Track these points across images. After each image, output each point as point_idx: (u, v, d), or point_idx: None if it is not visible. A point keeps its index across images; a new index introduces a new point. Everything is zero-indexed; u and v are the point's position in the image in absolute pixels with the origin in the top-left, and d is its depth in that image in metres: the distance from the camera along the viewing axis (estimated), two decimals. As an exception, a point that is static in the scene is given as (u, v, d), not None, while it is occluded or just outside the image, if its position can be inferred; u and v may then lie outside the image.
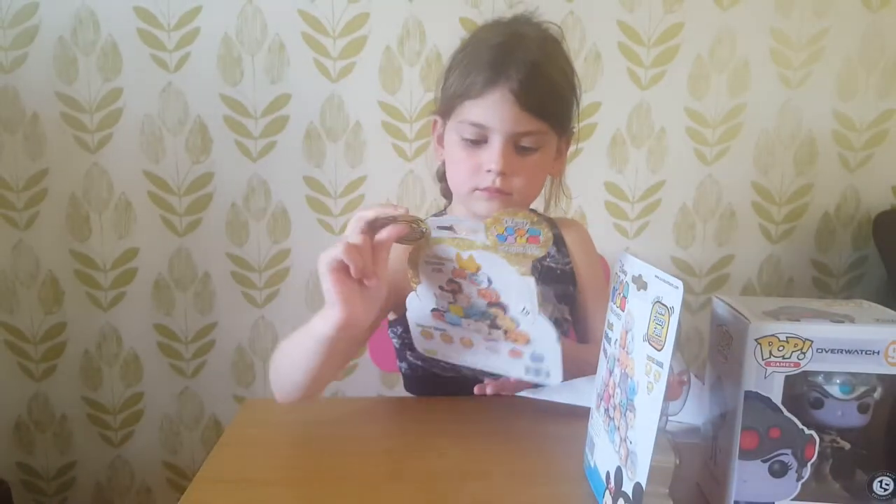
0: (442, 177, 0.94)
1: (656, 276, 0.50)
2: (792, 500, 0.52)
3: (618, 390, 0.55)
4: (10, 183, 1.47)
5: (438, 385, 0.90)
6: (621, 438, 0.53)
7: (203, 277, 1.54)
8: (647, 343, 0.50)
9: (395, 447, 0.71)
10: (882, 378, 0.51)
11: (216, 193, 1.51)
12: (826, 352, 0.50)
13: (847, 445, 0.53)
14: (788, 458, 0.51)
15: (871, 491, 0.52)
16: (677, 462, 0.50)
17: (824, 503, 0.52)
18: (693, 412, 0.58)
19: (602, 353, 0.62)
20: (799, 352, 0.50)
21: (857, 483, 0.53)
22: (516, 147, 0.80)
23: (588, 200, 1.56)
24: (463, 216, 0.91)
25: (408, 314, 0.73)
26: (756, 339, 0.50)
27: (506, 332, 0.70)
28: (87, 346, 1.55)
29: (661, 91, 1.52)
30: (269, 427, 0.74)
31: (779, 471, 0.52)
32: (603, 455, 0.57)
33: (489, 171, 0.80)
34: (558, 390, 0.79)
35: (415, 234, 0.65)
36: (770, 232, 1.61)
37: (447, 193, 0.95)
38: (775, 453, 0.52)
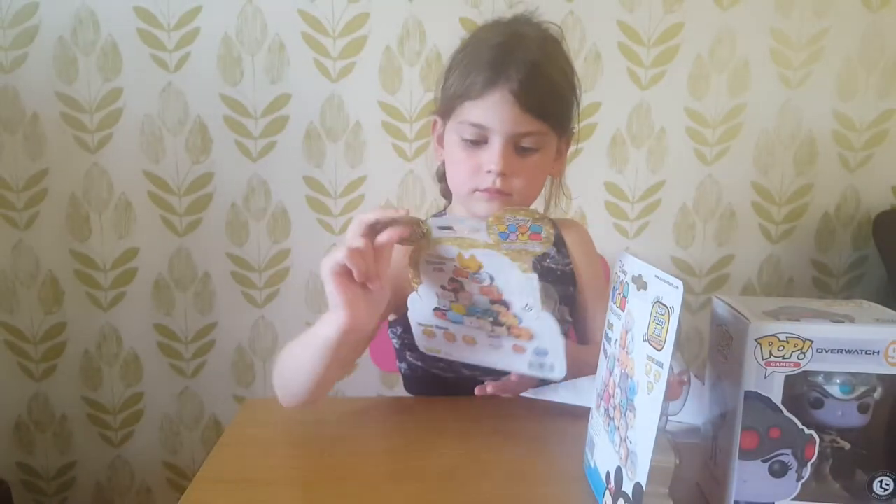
0: (442, 177, 0.94)
1: (656, 276, 0.50)
2: (792, 500, 0.52)
3: (618, 390, 0.55)
4: (10, 183, 1.47)
5: (438, 385, 0.90)
6: (621, 438, 0.53)
7: (203, 277, 1.54)
8: (647, 343, 0.50)
9: (395, 447, 0.71)
10: (882, 378, 0.51)
11: (216, 193, 1.51)
12: (826, 352, 0.50)
13: (847, 445, 0.53)
14: (788, 458, 0.51)
15: (871, 491, 0.52)
16: (677, 462, 0.50)
17: (824, 503, 0.52)
18: (693, 412, 0.58)
19: (602, 353, 0.62)
20: (799, 352, 0.50)
21: (857, 483, 0.53)
22: (516, 148, 0.80)
23: (588, 200, 1.56)
24: (463, 216, 0.91)
25: (409, 314, 0.73)
26: (756, 339, 0.50)
27: (509, 328, 0.70)
28: (87, 346, 1.55)
29: (661, 91, 1.52)
30: (269, 427, 0.74)
31: (779, 471, 0.52)
32: (603, 455, 0.57)
33: (489, 171, 0.80)
34: (559, 390, 0.79)
35: (415, 235, 0.65)
36: (770, 232, 1.61)
37: (447, 194, 0.95)
38: (775, 453, 0.52)
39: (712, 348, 0.58)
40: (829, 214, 1.61)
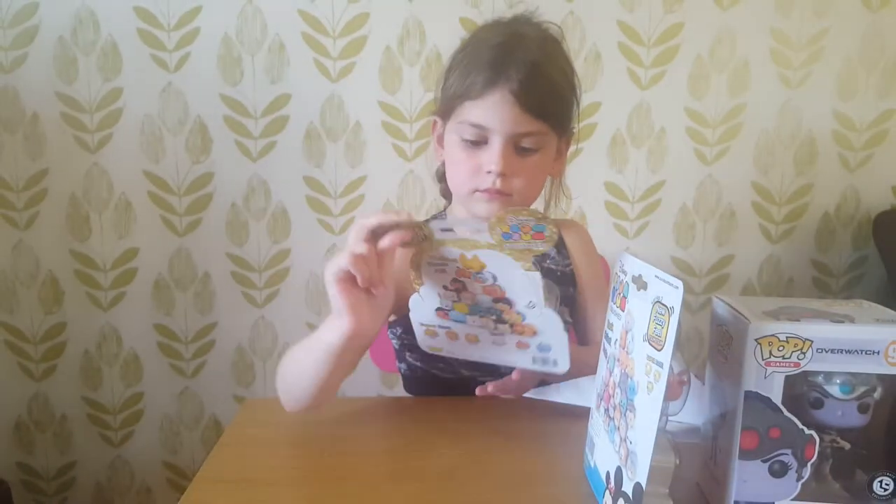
0: (442, 177, 0.94)
1: (656, 276, 0.50)
2: (792, 500, 0.52)
3: (618, 390, 0.55)
4: (10, 183, 1.47)
5: (437, 386, 0.90)
6: (621, 438, 0.53)
7: (203, 277, 1.54)
8: (647, 343, 0.50)
9: (395, 447, 0.71)
10: (882, 378, 0.51)
11: (216, 193, 1.51)
12: (826, 352, 0.50)
13: (847, 445, 0.53)
14: (788, 458, 0.52)
15: (871, 491, 0.52)
16: (677, 462, 0.50)
17: (824, 503, 0.52)
18: (693, 412, 0.58)
19: (602, 353, 0.62)
20: (799, 352, 0.50)
21: (857, 483, 0.53)
22: (516, 148, 0.80)
23: (588, 200, 1.56)
24: (463, 217, 0.91)
25: (411, 314, 0.72)
26: (756, 339, 0.50)
27: (512, 325, 0.70)
28: (87, 346, 1.55)
29: (661, 91, 1.52)
30: (269, 427, 0.74)
31: (779, 471, 0.52)
32: (603, 455, 0.57)
33: (489, 172, 0.79)
34: (560, 390, 0.79)
35: (417, 238, 0.65)
36: (770, 232, 1.61)
37: (447, 194, 0.95)
38: (775, 453, 0.52)
39: (712, 348, 0.58)
40: (829, 214, 1.61)
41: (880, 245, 1.53)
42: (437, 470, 0.65)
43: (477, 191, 0.82)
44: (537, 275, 0.65)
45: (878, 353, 0.50)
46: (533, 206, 0.93)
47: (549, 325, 0.69)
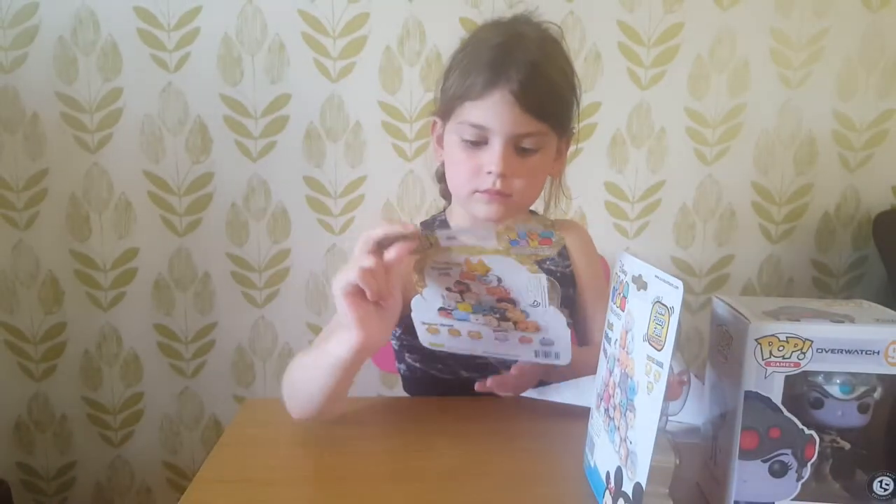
0: (441, 177, 0.93)
1: (656, 276, 0.50)
2: (792, 500, 0.52)
3: (618, 390, 0.55)
4: (10, 183, 1.47)
5: (436, 386, 0.90)
6: (621, 438, 0.53)
7: (203, 277, 1.54)
8: (647, 343, 0.50)
9: (395, 447, 0.71)
10: (882, 378, 0.51)
11: (216, 193, 1.51)
12: (826, 352, 0.50)
13: (847, 445, 0.53)
14: (788, 458, 0.52)
15: (871, 491, 0.52)
16: (677, 462, 0.50)
17: (824, 503, 0.52)
18: (693, 412, 0.58)
19: (602, 353, 0.62)
20: (799, 352, 0.50)
21: (857, 483, 0.53)
22: (517, 148, 0.80)
23: (588, 200, 1.56)
24: (462, 219, 0.91)
25: (412, 314, 0.72)
26: (756, 339, 0.50)
27: (515, 323, 0.70)
28: (87, 346, 1.55)
29: (661, 91, 1.52)
30: (269, 427, 0.74)
31: (779, 471, 0.52)
32: (603, 455, 0.57)
33: (489, 172, 0.79)
34: (560, 390, 0.79)
35: (423, 246, 0.64)
36: (770, 232, 1.61)
37: (446, 194, 0.95)
38: (775, 453, 0.52)
39: (712, 348, 0.58)
40: (829, 214, 1.61)
41: (880, 245, 1.53)
42: (437, 470, 0.65)
43: (477, 191, 0.81)
44: (543, 276, 0.65)
45: (878, 353, 0.50)
46: (532, 207, 0.94)
47: (552, 322, 0.69)
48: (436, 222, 0.95)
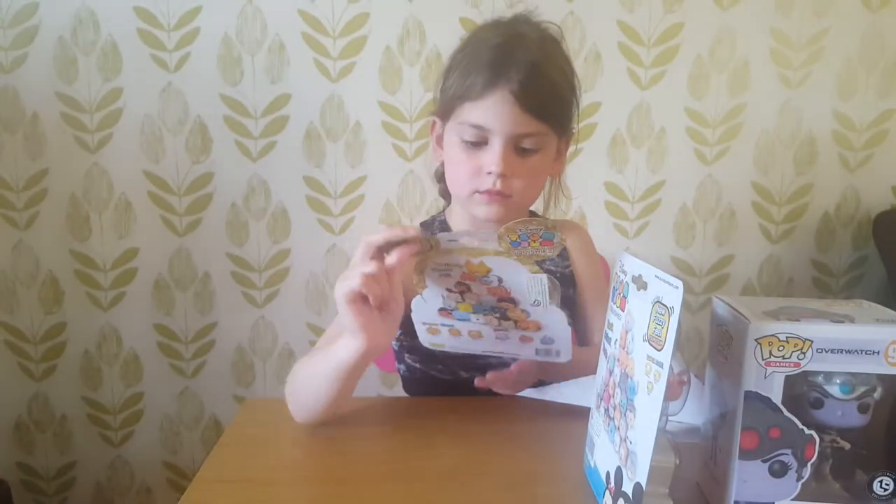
0: (440, 177, 0.93)
1: (656, 276, 0.50)
2: (792, 500, 0.52)
3: (618, 390, 0.55)
4: (10, 183, 1.47)
5: (436, 387, 0.90)
6: (621, 438, 0.53)
7: (203, 277, 1.54)
8: (647, 343, 0.50)
9: (395, 447, 0.71)
10: (882, 378, 0.51)
11: (216, 193, 1.51)
12: (826, 352, 0.50)
13: (847, 445, 0.53)
14: (788, 458, 0.51)
15: (871, 491, 0.52)
16: (677, 462, 0.50)
17: (824, 503, 0.52)
18: (693, 412, 0.58)
19: (602, 353, 0.62)
20: (799, 352, 0.50)
21: (857, 483, 0.53)
22: (517, 149, 0.80)
23: (588, 200, 1.56)
24: (462, 219, 0.91)
25: (412, 314, 0.72)
26: (756, 339, 0.50)
27: (516, 322, 0.70)
28: (87, 346, 1.55)
29: (661, 91, 1.52)
30: (269, 427, 0.74)
31: (779, 471, 0.52)
32: (603, 455, 0.57)
33: (490, 173, 0.79)
34: (560, 390, 0.79)
35: (424, 249, 0.64)
36: (770, 232, 1.61)
37: (445, 194, 0.95)
38: (775, 453, 0.52)
39: (712, 348, 0.58)
40: (829, 214, 1.61)
41: (880, 245, 1.53)
42: (437, 470, 0.65)
43: (476, 192, 0.81)
44: (544, 276, 0.65)
45: (878, 353, 0.50)
46: (532, 207, 0.94)
47: (553, 321, 0.69)
48: (435, 222, 0.95)
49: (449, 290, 0.68)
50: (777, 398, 0.51)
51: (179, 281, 1.54)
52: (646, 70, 1.52)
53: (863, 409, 0.52)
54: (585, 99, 1.47)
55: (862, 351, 0.50)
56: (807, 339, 0.50)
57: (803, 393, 0.52)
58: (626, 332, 0.55)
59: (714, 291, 1.62)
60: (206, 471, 0.64)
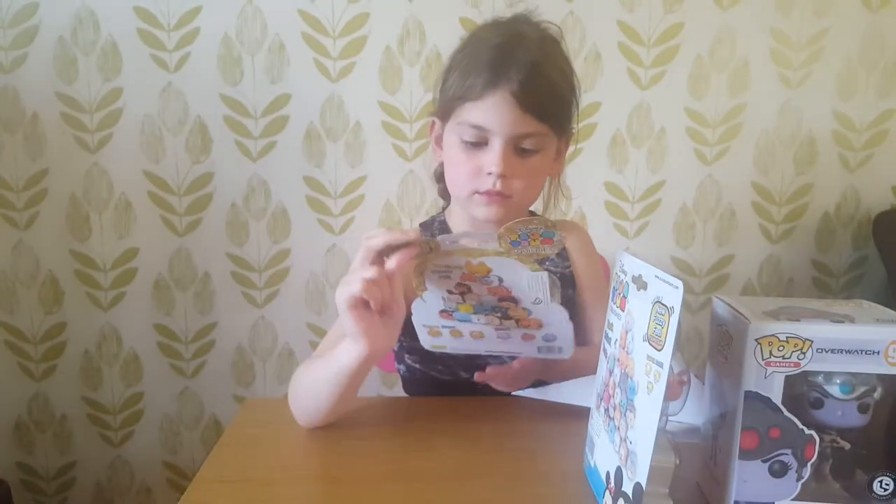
0: (440, 177, 0.93)
1: (656, 276, 0.50)
2: (792, 500, 0.52)
3: (618, 390, 0.55)
4: (10, 183, 1.47)
5: (436, 387, 0.90)
6: (621, 438, 0.53)
7: (203, 277, 1.54)
8: (647, 343, 0.50)
9: (395, 447, 0.71)
10: (882, 378, 0.51)
11: (216, 193, 1.51)
12: (826, 352, 0.50)
13: (847, 445, 0.53)
14: (788, 458, 0.51)
15: (871, 491, 0.52)
16: (677, 462, 0.50)
17: (824, 503, 0.52)
18: (693, 412, 0.58)
19: (602, 353, 0.62)
20: (799, 352, 0.50)
21: (857, 483, 0.53)
22: (516, 149, 0.80)
23: (588, 200, 1.56)
24: (461, 219, 0.91)
25: (413, 317, 0.72)
26: (756, 339, 0.50)
27: (517, 321, 0.70)
28: (87, 346, 1.55)
29: (661, 91, 1.52)
30: (269, 427, 0.74)
31: (779, 471, 0.52)
32: (603, 455, 0.57)
33: (489, 173, 0.79)
34: (560, 390, 0.79)
35: (423, 251, 0.64)
36: (770, 232, 1.61)
37: (445, 194, 0.95)
38: (775, 453, 0.52)
39: (712, 348, 0.58)
40: (829, 214, 1.61)
41: (880, 245, 1.53)
42: (437, 470, 0.65)
43: (476, 193, 0.81)
44: (545, 274, 0.65)
45: (878, 353, 0.50)
46: (532, 207, 0.94)
47: (554, 318, 0.69)
48: (435, 223, 0.95)
49: (449, 292, 0.68)
50: (777, 398, 0.51)
51: (179, 281, 1.54)
52: (646, 70, 1.52)
53: (863, 409, 0.52)
54: (585, 99, 1.47)
55: (862, 351, 0.50)
56: (807, 339, 0.50)
57: (803, 393, 0.52)
58: (626, 332, 0.55)
59: (714, 291, 1.62)
60: (206, 471, 0.64)
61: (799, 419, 0.51)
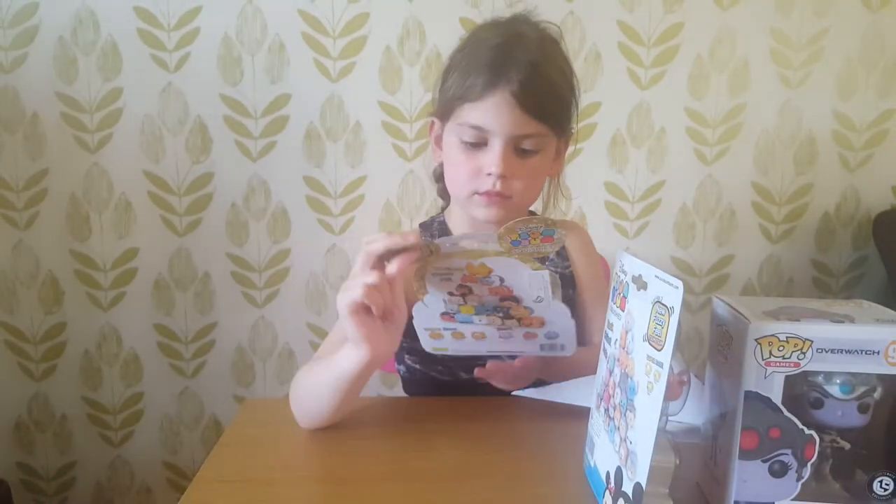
0: (439, 177, 0.93)
1: (656, 276, 0.50)
2: (792, 500, 0.52)
3: (618, 390, 0.55)
4: (10, 183, 1.47)
5: (436, 388, 0.90)
6: (621, 438, 0.53)
7: (203, 277, 1.54)
8: (647, 343, 0.50)
9: (395, 447, 0.71)
10: (882, 378, 0.51)
11: (216, 193, 1.51)
12: (826, 352, 0.50)
13: (847, 445, 0.53)
14: (788, 458, 0.51)
15: (871, 491, 0.52)
16: (677, 462, 0.50)
17: (824, 503, 0.52)
18: (693, 412, 0.58)
19: (602, 353, 0.62)
20: (799, 352, 0.50)
21: (857, 483, 0.53)
22: (516, 150, 0.80)
23: (588, 200, 1.56)
24: (461, 219, 0.91)
25: (414, 321, 0.72)
26: (756, 339, 0.50)
27: (519, 320, 0.70)
28: (87, 346, 1.55)
29: (661, 91, 1.52)
30: (269, 427, 0.74)
31: (779, 471, 0.52)
32: (603, 455, 0.57)
33: (489, 174, 0.79)
34: (558, 390, 0.79)
35: (424, 255, 0.64)
36: (770, 232, 1.61)
37: (444, 194, 0.95)
38: (775, 453, 0.52)
39: (712, 348, 0.58)
40: (829, 214, 1.61)
41: (880, 245, 1.53)
42: (437, 470, 0.65)
43: (476, 193, 0.81)
44: (546, 272, 0.65)
45: (878, 353, 0.50)
46: (531, 208, 0.94)
47: (556, 316, 0.69)
48: (434, 223, 0.95)
49: (451, 294, 0.68)
50: (777, 398, 0.51)
51: (179, 281, 1.54)
52: (646, 70, 1.52)
53: (863, 409, 0.52)
54: (585, 99, 1.47)
55: (862, 351, 0.50)
56: (807, 339, 0.50)
57: (803, 393, 0.52)
58: (626, 332, 0.55)
59: (714, 291, 1.62)
60: (206, 471, 0.64)
61: (799, 419, 0.51)
